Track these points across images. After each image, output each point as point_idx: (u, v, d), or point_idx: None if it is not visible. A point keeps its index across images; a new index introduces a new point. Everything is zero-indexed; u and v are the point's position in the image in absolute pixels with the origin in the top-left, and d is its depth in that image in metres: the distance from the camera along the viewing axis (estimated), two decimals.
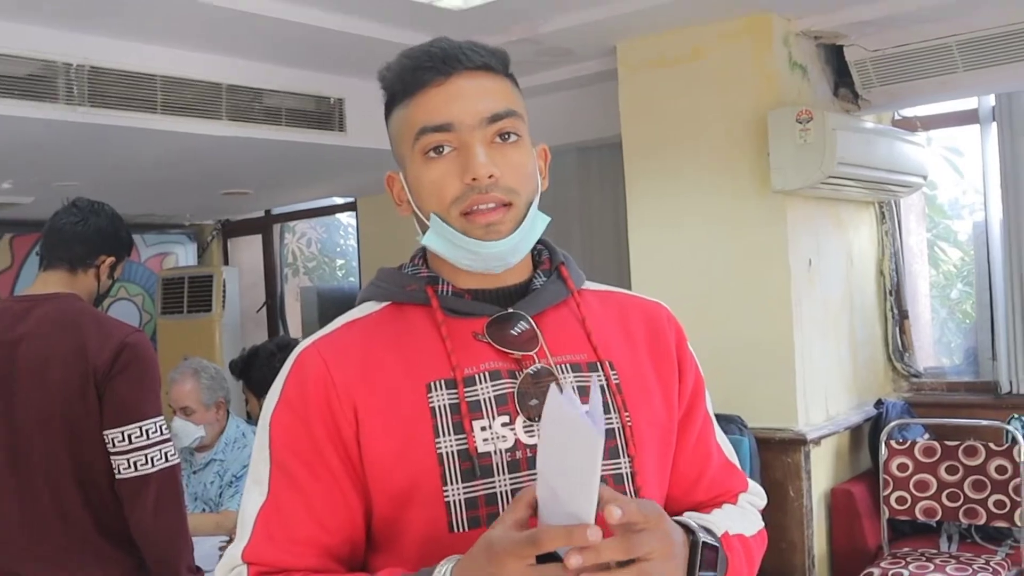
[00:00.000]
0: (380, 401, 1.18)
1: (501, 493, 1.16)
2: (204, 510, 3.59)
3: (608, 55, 4.39)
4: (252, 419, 3.76)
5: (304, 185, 6.08)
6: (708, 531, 1.17)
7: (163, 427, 2.33)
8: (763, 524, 1.38)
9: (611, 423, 1.23)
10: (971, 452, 3.91)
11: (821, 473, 4.08)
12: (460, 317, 1.24)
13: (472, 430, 1.17)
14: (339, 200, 7.01)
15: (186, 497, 3.58)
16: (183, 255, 7.56)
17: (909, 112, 4.83)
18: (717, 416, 4.26)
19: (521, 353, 1.22)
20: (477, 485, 1.16)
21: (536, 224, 1.25)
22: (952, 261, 5.74)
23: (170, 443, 2.33)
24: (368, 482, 1.18)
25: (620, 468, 1.22)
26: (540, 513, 1.03)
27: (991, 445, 3.93)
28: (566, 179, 5.69)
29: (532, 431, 1.19)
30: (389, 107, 1.28)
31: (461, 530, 1.15)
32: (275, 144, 4.49)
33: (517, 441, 1.18)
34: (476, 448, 1.16)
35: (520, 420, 1.19)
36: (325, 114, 4.56)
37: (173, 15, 3.61)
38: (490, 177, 1.18)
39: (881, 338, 4.77)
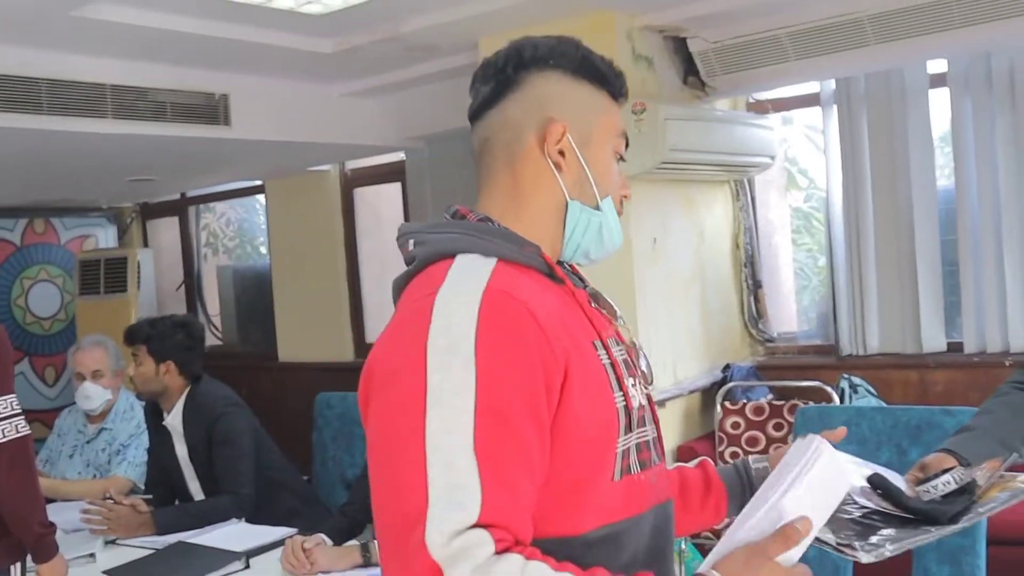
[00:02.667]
0: (578, 354, 1.19)
1: (632, 447, 1.25)
2: (95, 476, 3.92)
3: (472, 49, 4.70)
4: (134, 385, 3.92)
5: (206, 172, 6.34)
6: None
7: (14, 403, 2.61)
8: None
9: (647, 391, 1.36)
10: (794, 410, 4.31)
11: (668, 432, 4.47)
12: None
13: (627, 386, 1.26)
14: (257, 182, 7.28)
15: (80, 463, 3.92)
16: (103, 237, 7.80)
17: (763, 96, 5.20)
18: None
19: (619, 325, 1.36)
20: (630, 437, 1.24)
21: None
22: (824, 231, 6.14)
23: (21, 417, 2.62)
24: (559, 434, 1.16)
25: (647, 436, 1.32)
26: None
27: (811, 404, 4.33)
28: (456, 163, 6.02)
29: (644, 392, 1.32)
30: (575, 73, 1.33)
31: (618, 479, 1.21)
32: (163, 139, 4.75)
33: (639, 401, 1.29)
34: (632, 404, 1.25)
35: (640, 382, 1.31)
36: (211, 108, 4.83)
37: (55, 26, 3.87)
38: None
39: (737, 306, 5.17)
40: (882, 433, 2.88)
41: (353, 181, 6.69)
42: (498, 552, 1.04)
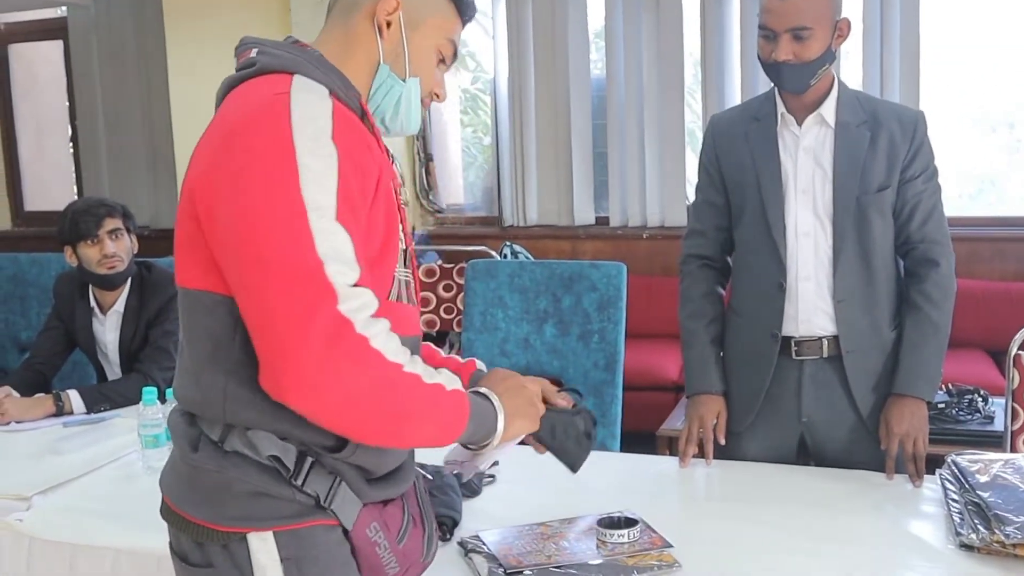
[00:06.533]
0: (384, 178, 1.32)
1: (405, 282, 1.41)
2: None
3: None
4: None
5: None
6: None
7: None
8: None
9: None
10: (463, 273, 4.71)
11: None
12: None
13: (406, 226, 1.43)
14: None
15: None
16: None
17: None
18: None
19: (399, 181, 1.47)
20: (402, 271, 1.40)
21: None
22: (490, 112, 6.54)
23: None
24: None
25: (408, 277, 1.46)
26: None
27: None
28: (126, 23, 5.82)
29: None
30: None
31: (393, 299, 1.36)
32: None
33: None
34: (409, 243, 1.43)
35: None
36: None
37: None
38: None
39: (410, 178, 5.48)
40: (540, 283, 3.28)
41: (7, 36, 6.26)
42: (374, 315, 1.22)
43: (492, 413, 1.42)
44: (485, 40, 5.78)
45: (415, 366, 1.27)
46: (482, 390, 1.44)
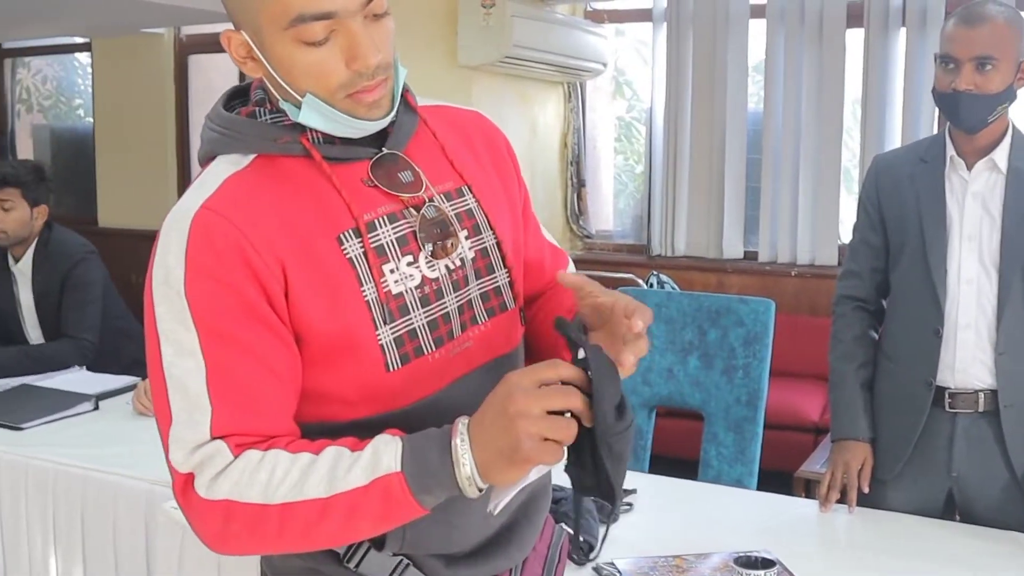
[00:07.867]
0: (302, 255, 1.17)
1: (419, 328, 1.22)
2: None
3: None
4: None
5: (28, 20, 6.09)
6: None
7: None
8: None
9: (483, 242, 1.31)
10: None
11: None
12: (339, 163, 1.23)
13: (383, 275, 1.20)
14: (79, 40, 7.04)
15: None
16: None
17: (600, 5, 5.51)
18: None
19: (409, 195, 1.25)
20: (399, 324, 1.21)
21: (400, 78, 1.24)
22: (643, 140, 6.56)
23: None
24: (298, 336, 1.18)
25: (498, 281, 1.32)
26: None
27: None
28: None
29: (433, 266, 1.24)
30: None
31: (395, 368, 1.20)
32: None
33: (423, 277, 1.23)
34: (391, 291, 1.20)
35: (423, 256, 1.24)
36: None
37: None
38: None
39: (561, 202, 5.53)
40: (687, 315, 3.26)
41: (188, 47, 6.60)
42: (236, 455, 1.12)
43: (445, 474, 1.09)
44: (643, 69, 5.80)
45: (301, 488, 1.10)
46: (456, 438, 1.09)
